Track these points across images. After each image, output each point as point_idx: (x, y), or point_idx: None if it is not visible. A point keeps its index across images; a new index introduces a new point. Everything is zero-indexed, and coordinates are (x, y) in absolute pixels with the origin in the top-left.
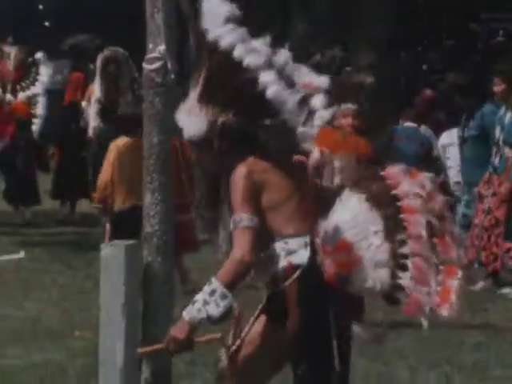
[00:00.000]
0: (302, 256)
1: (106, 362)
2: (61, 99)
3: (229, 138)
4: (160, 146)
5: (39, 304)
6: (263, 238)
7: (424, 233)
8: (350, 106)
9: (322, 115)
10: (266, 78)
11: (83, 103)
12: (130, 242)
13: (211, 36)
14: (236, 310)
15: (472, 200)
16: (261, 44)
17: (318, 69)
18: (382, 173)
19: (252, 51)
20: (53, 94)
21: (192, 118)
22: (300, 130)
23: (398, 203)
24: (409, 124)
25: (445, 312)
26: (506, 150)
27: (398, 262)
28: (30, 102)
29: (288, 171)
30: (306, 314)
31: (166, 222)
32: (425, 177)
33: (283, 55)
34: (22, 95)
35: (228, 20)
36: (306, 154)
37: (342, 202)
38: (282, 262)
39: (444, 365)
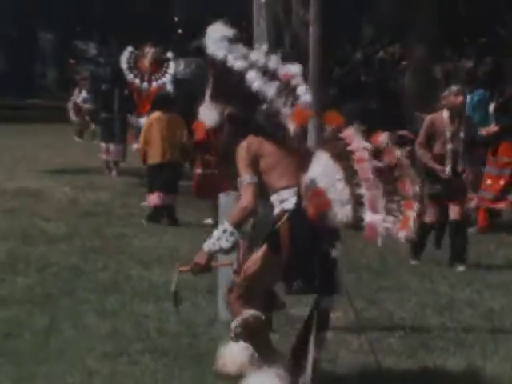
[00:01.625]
0: (292, 202)
1: (224, 279)
2: (188, 86)
3: (234, 124)
4: None
5: (175, 237)
6: (263, 193)
7: (371, 176)
8: (458, 87)
9: (305, 99)
10: (250, 76)
11: None
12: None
13: (211, 51)
14: (241, 245)
15: None
16: (245, 51)
17: (382, 63)
18: (340, 135)
19: (238, 58)
20: (183, 82)
21: (208, 111)
22: (284, 111)
23: (352, 156)
24: None
25: (403, 235)
26: None
27: (356, 200)
28: (161, 88)
29: (278, 142)
30: (296, 243)
31: None
32: (383, 137)
33: (262, 55)
34: (154, 84)
35: (224, 39)
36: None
37: (316, 159)
38: (277, 208)
39: (476, 283)
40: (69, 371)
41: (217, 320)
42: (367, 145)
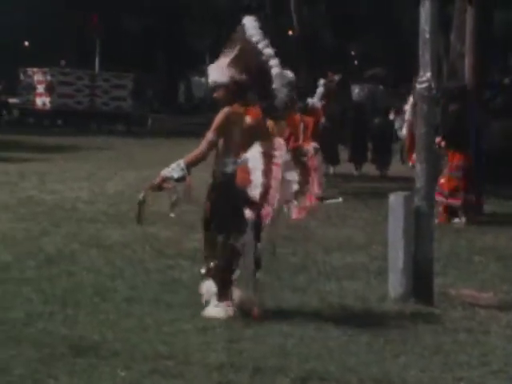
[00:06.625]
0: (231, 169)
1: (393, 263)
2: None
3: (232, 89)
4: (425, 134)
5: (351, 228)
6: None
7: (279, 177)
8: None
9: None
10: (274, 63)
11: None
12: (407, 193)
13: (249, 33)
14: (188, 180)
15: None
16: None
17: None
18: (275, 140)
19: (268, 47)
20: (356, 103)
21: (220, 70)
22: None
23: (273, 159)
24: None
25: (296, 216)
26: None
27: (264, 188)
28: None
29: (249, 120)
30: (231, 193)
31: (428, 182)
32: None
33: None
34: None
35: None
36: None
37: (254, 147)
38: (227, 169)
39: None
40: (269, 334)
41: (387, 297)
42: (286, 157)
